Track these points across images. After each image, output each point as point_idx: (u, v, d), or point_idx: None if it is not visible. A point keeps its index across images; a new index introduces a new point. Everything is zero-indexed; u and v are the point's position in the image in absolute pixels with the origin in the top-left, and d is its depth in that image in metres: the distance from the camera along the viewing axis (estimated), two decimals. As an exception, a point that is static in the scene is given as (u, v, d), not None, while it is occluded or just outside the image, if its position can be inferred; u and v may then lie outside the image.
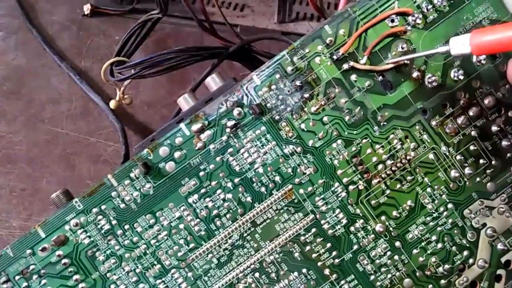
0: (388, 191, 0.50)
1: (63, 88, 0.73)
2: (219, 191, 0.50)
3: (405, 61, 0.49)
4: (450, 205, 0.51)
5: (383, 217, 0.50)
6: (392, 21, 0.49)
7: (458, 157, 0.50)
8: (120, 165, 0.58)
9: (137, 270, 0.50)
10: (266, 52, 0.62)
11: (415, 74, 0.49)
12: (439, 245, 0.51)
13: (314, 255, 0.51)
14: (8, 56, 0.75)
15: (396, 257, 0.51)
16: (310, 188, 0.50)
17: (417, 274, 0.51)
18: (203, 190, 0.50)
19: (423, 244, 0.51)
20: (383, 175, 0.50)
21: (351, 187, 0.50)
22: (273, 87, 0.49)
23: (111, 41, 0.76)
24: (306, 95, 0.49)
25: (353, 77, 0.49)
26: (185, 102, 0.53)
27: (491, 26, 0.45)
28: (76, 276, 0.50)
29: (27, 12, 0.77)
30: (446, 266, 0.51)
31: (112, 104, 0.65)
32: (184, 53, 0.57)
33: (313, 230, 0.50)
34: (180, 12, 0.76)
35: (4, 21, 0.77)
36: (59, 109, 0.72)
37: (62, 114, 0.72)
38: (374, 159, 0.50)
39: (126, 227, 0.50)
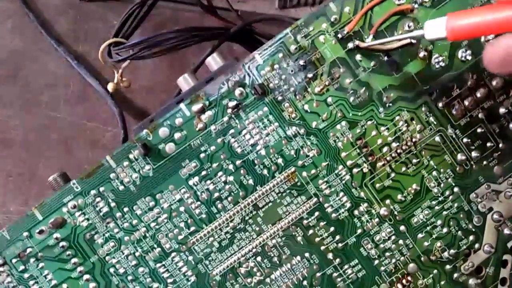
0: (393, 174, 0.49)
1: (60, 72, 0.72)
2: (220, 173, 0.49)
3: (410, 40, 0.47)
4: (456, 189, 0.50)
5: (387, 201, 0.49)
6: (399, -2, 0.48)
7: (465, 139, 0.49)
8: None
9: (137, 254, 0.49)
10: (268, 33, 0.61)
11: (421, 54, 0.48)
12: (445, 230, 0.50)
13: (317, 239, 0.50)
14: (4, 40, 0.73)
15: (400, 241, 0.50)
16: (313, 171, 0.49)
17: (422, 259, 0.50)
18: (204, 172, 0.49)
19: (428, 228, 0.50)
20: (388, 158, 0.49)
21: (355, 170, 0.49)
22: (275, 66, 0.48)
23: (109, 25, 0.75)
24: (310, 75, 0.48)
25: (358, 56, 0.48)
26: (185, 82, 0.52)
27: (467, 9, 0.43)
28: (74, 260, 0.49)
29: (24, -4, 0.76)
30: (452, 251, 0.50)
31: (110, 86, 0.64)
32: (184, 33, 0.56)
33: (316, 213, 0.49)
34: (179, -4, 0.75)
35: (0, 5, 0.75)
36: (56, 94, 0.71)
37: (59, 99, 0.71)
38: (379, 141, 0.49)
39: (125, 209, 0.49)
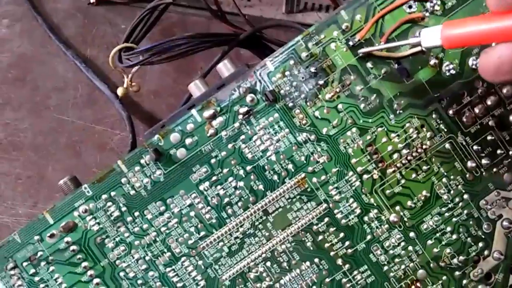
0: (403, 181, 0.49)
1: (68, 76, 0.72)
2: (230, 178, 0.49)
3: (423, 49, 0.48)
4: (466, 196, 0.50)
5: (397, 207, 0.50)
6: (410, 7, 0.48)
7: (475, 147, 0.49)
8: (126, 153, 0.57)
9: (147, 258, 0.49)
10: (277, 40, 0.61)
11: (432, 62, 0.48)
12: (454, 236, 0.50)
13: (326, 245, 0.50)
14: (13, 43, 0.74)
15: (410, 247, 0.50)
16: (323, 177, 0.49)
17: (431, 265, 0.50)
18: (214, 178, 0.49)
19: (437, 235, 0.50)
20: (398, 165, 0.49)
21: (365, 176, 0.49)
22: (287, 73, 0.48)
23: (117, 29, 0.75)
24: (321, 82, 0.48)
25: (369, 64, 0.48)
26: (196, 88, 0.52)
27: (462, 18, 0.43)
28: (84, 263, 0.49)
29: (32, 0, 0.76)
30: (461, 258, 0.50)
31: (120, 91, 0.64)
32: (194, 39, 0.56)
33: (326, 219, 0.50)
34: (187, 1, 0.75)
35: (9, 8, 0.76)
36: (64, 97, 0.71)
37: (68, 102, 0.71)
38: (390, 148, 0.49)
39: (136, 214, 0.49)
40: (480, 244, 0.50)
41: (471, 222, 0.50)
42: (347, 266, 0.50)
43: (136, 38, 0.61)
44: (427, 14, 0.48)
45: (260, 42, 0.61)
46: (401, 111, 0.49)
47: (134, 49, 0.59)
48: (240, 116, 0.49)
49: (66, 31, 0.75)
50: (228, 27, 0.63)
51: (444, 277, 0.50)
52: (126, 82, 0.64)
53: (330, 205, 0.50)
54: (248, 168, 0.49)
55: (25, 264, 0.49)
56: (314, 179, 0.49)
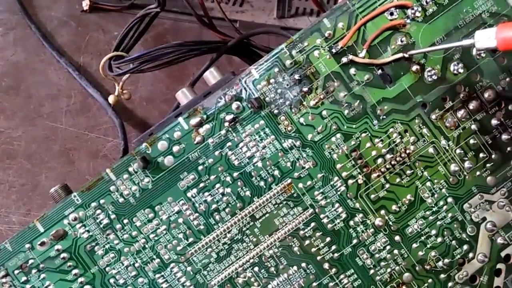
0: (387, 185, 0.50)
1: (62, 83, 0.73)
2: (218, 185, 0.50)
3: (405, 55, 0.48)
4: (450, 199, 0.50)
5: (382, 211, 0.50)
6: (391, 14, 0.49)
7: (458, 151, 0.50)
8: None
9: (136, 265, 0.50)
10: (265, 46, 0.62)
11: (414, 68, 0.49)
12: (439, 239, 0.51)
13: (313, 249, 0.50)
14: (6, 52, 0.75)
15: (395, 251, 0.51)
16: (309, 182, 0.50)
17: (417, 268, 0.51)
18: (202, 184, 0.50)
19: (422, 238, 0.51)
20: (382, 169, 0.50)
21: (350, 181, 0.50)
22: (271, 81, 0.49)
23: (110, 37, 0.76)
24: (305, 89, 0.49)
25: (352, 70, 0.49)
26: (183, 96, 0.53)
27: None
28: (75, 271, 0.50)
29: (26, 8, 0.76)
30: (446, 260, 0.51)
31: (111, 99, 0.65)
32: (183, 47, 0.57)
33: (313, 224, 0.50)
34: (178, 7, 0.76)
35: (2, 17, 0.76)
36: (58, 105, 0.72)
37: (61, 110, 0.72)
38: (374, 153, 0.50)
39: (125, 221, 0.50)
40: (465, 247, 0.51)
41: (455, 225, 0.51)
42: (333, 270, 0.51)
43: (127, 46, 0.62)
44: (408, 20, 0.49)
45: (248, 48, 0.62)
46: (384, 117, 0.50)
47: (124, 58, 0.60)
48: (226, 124, 0.49)
49: (59, 39, 0.75)
50: (217, 34, 0.64)
51: (430, 280, 0.51)
52: (117, 90, 0.64)
53: (316, 210, 0.50)
54: (235, 174, 0.50)
55: (16, 272, 0.50)
56: (300, 185, 0.50)
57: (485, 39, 0.43)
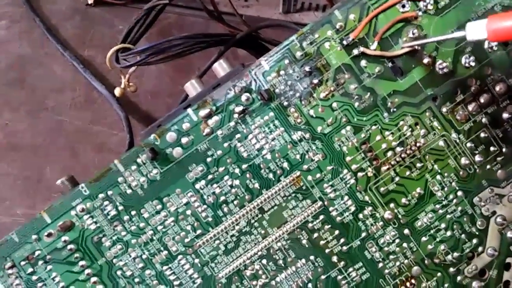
0: (397, 178, 0.50)
1: (66, 76, 0.73)
2: (226, 177, 0.50)
3: (416, 47, 0.48)
4: (459, 193, 0.50)
5: (392, 205, 0.50)
6: (403, 6, 0.48)
7: (469, 144, 0.50)
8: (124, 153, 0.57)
9: (144, 256, 0.50)
10: (273, 39, 0.62)
11: (425, 60, 0.49)
12: (448, 233, 0.50)
13: (322, 242, 0.50)
14: (11, 45, 0.74)
15: (404, 244, 0.50)
16: (318, 175, 0.50)
17: (426, 262, 0.50)
18: (210, 176, 0.50)
19: (432, 231, 0.50)
20: (392, 162, 0.50)
21: (360, 174, 0.50)
22: (281, 72, 0.49)
23: (115, 30, 0.76)
24: (315, 81, 0.49)
25: (363, 63, 0.49)
26: (192, 87, 0.53)
27: (508, 11, 0.44)
28: (82, 262, 0.49)
29: (30, 1, 0.76)
30: (455, 254, 0.50)
31: (117, 91, 0.65)
32: (190, 40, 0.56)
33: (321, 217, 0.50)
34: (184, 1, 0.76)
35: (7, 10, 0.76)
36: (62, 98, 0.72)
37: (66, 103, 0.72)
38: (384, 146, 0.49)
39: (133, 213, 0.49)
40: (474, 241, 0.51)
41: (465, 219, 0.50)
42: (342, 263, 0.50)
43: (134, 39, 0.62)
44: (420, 13, 0.49)
45: (256, 42, 0.62)
46: (395, 109, 0.49)
47: (131, 50, 0.59)
48: (236, 115, 0.49)
49: (64, 32, 0.75)
50: (225, 27, 0.63)
51: (439, 274, 0.51)
52: (124, 82, 0.64)
53: (325, 202, 0.50)
54: (244, 166, 0.50)
55: (23, 263, 0.49)
56: (309, 177, 0.50)
57: (476, 30, 0.42)
